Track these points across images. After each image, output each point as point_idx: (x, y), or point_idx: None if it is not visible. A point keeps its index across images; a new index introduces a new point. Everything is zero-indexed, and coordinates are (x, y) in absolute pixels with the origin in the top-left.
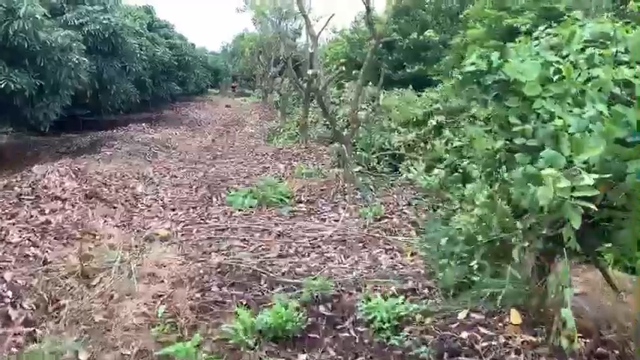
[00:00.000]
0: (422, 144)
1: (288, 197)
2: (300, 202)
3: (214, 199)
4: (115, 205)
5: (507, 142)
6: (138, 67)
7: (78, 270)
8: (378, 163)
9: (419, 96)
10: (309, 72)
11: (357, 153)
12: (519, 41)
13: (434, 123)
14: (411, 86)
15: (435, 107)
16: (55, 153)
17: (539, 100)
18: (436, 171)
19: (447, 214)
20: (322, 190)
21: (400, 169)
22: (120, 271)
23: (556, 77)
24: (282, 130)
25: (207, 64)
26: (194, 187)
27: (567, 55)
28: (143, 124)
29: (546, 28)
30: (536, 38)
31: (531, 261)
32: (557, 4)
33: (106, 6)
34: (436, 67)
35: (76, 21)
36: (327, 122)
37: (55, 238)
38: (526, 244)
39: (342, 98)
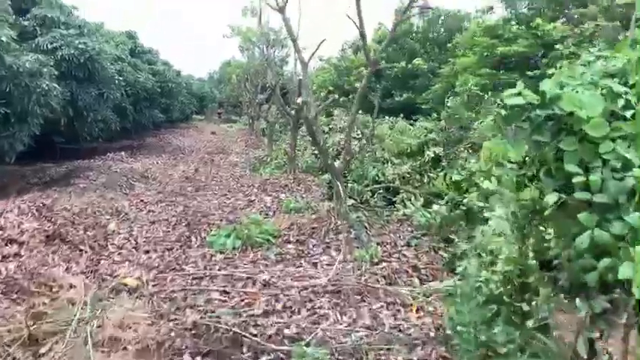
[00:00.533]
0: (417, 176)
1: (275, 236)
2: (289, 242)
3: (194, 239)
4: (82, 247)
5: (560, 193)
6: (116, 93)
7: (25, 334)
8: (372, 196)
9: (411, 125)
10: (299, 100)
11: (350, 185)
12: (557, 67)
13: (431, 155)
14: (401, 115)
15: (430, 137)
16: (26, 185)
17: (606, 142)
18: (435, 207)
19: (451, 259)
20: (313, 228)
21: (396, 204)
22: (76, 335)
23: (629, 113)
24: (269, 159)
25: (192, 91)
26: (172, 223)
27: (634, 85)
28: (122, 153)
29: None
30: (584, 63)
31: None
32: (551, 33)
33: (82, 30)
34: (425, 95)
35: (49, 45)
36: (316, 151)
37: (2, 293)
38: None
39: (330, 126)
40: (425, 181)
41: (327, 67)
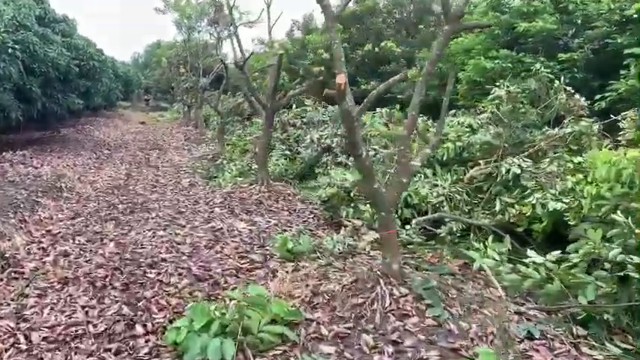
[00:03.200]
0: (464, 196)
1: (292, 325)
2: (322, 338)
3: (140, 330)
4: None
5: None
6: (10, 68)
7: None
8: (402, 226)
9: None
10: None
11: (362, 208)
12: None
13: (515, 170)
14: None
15: (478, 139)
16: None
17: None
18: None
19: None
20: (354, 303)
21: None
22: None
23: None
24: (223, 161)
25: (117, 74)
26: (98, 286)
27: None
28: (25, 152)
29: None
30: None
31: None
32: (585, 8)
33: None
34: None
35: None
36: (287, 151)
37: None
38: None
39: (304, 119)
40: (489, 207)
41: (269, 50)
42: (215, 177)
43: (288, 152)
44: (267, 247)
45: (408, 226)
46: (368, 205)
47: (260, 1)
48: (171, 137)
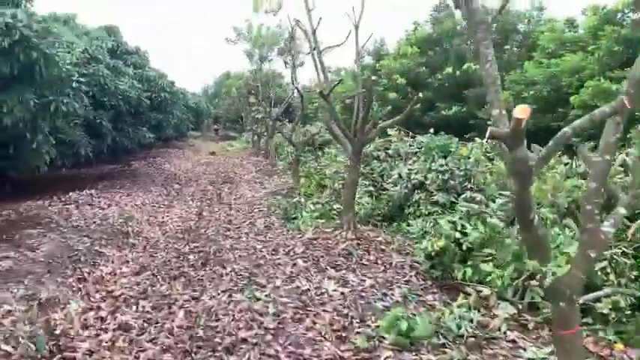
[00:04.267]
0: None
1: None
2: None
3: None
4: None
5: None
6: (74, 103)
7: None
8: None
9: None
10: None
11: (489, 273)
12: None
13: None
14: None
15: None
16: None
17: None
18: None
19: None
20: None
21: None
22: None
23: None
24: (299, 198)
25: (188, 104)
26: None
27: None
28: (93, 191)
29: None
30: None
31: None
32: None
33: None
34: (487, 108)
35: None
36: (371, 187)
37: None
38: None
39: (389, 152)
40: None
41: (338, 77)
42: (293, 218)
43: (372, 189)
44: (370, 323)
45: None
46: (491, 265)
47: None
48: (242, 168)
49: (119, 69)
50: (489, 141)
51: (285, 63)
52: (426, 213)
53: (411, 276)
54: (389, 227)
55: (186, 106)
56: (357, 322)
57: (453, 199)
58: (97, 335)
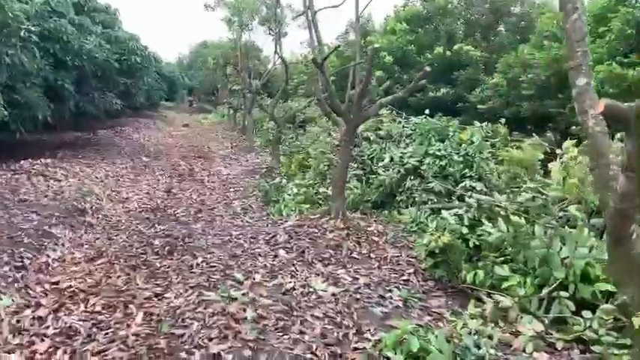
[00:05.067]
0: None
1: None
2: None
3: None
4: None
5: None
6: (21, 57)
7: None
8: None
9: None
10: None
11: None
12: None
13: None
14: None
15: None
16: None
17: None
18: None
19: None
20: None
21: None
22: None
23: None
24: (282, 179)
25: (161, 72)
26: None
27: None
28: (49, 160)
29: None
30: None
31: None
32: None
33: None
34: (479, 92)
35: None
36: (359, 170)
37: None
38: None
39: (379, 132)
40: None
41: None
42: (274, 201)
43: (360, 172)
44: (369, 335)
45: (588, 313)
46: (507, 268)
47: None
48: (216, 143)
49: (85, 27)
50: (498, 125)
51: (270, 30)
52: (420, 201)
53: (409, 274)
54: (378, 215)
55: (159, 74)
56: (353, 334)
57: (451, 188)
58: (31, 344)
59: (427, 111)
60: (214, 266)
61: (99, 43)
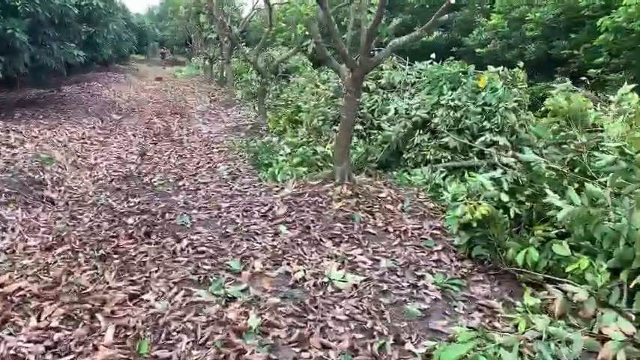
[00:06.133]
0: None
1: None
2: None
3: None
4: None
5: None
6: None
7: None
8: None
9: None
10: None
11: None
12: None
13: None
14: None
15: None
16: None
17: None
18: None
19: None
20: None
21: None
22: None
23: None
24: (272, 138)
25: (130, 22)
26: None
27: None
28: (1, 122)
29: None
30: None
31: None
32: None
33: None
34: (475, 35)
35: None
36: (361, 126)
37: None
38: None
39: (379, 81)
40: None
41: None
42: (266, 165)
43: (360, 127)
44: (411, 347)
45: None
46: (567, 247)
47: None
48: (193, 97)
49: None
50: (517, 70)
51: None
52: (433, 159)
53: (438, 252)
54: (384, 176)
55: (128, 25)
56: (391, 345)
57: (468, 142)
58: None
59: (433, 55)
60: (203, 251)
61: None
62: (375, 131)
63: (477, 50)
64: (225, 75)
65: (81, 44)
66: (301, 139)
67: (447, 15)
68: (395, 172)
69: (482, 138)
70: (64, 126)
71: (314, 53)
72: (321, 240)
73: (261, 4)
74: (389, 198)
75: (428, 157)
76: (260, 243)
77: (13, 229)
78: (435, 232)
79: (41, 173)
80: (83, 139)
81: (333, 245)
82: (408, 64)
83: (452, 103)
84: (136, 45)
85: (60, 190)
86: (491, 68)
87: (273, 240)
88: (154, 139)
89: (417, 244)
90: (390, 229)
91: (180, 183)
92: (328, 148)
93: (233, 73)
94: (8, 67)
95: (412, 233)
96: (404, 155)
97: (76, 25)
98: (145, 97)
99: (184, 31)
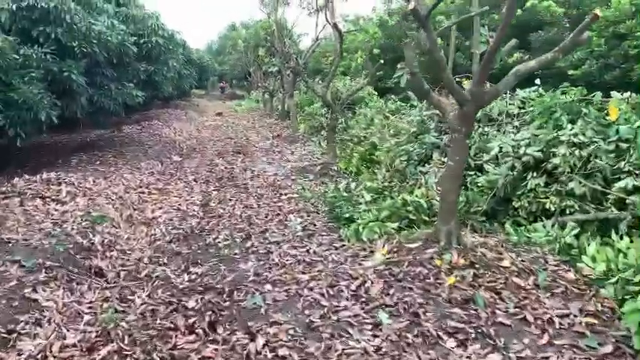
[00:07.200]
0: None
1: None
2: None
3: None
4: None
5: None
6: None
7: None
8: None
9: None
10: None
11: None
12: None
13: None
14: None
15: None
16: None
17: None
18: None
19: None
20: None
21: None
22: None
23: None
24: (350, 183)
25: (190, 58)
26: None
27: None
28: (53, 174)
29: None
30: None
31: None
32: None
33: None
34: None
35: None
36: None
37: None
38: None
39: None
40: None
41: (354, 28)
42: (347, 219)
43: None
44: None
45: None
46: None
47: None
48: (255, 133)
49: (94, 4)
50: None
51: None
52: (554, 209)
53: (607, 357)
54: (491, 229)
55: (188, 61)
56: None
57: (600, 188)
58: None
59: (537, 81)
60: (284, 357)
61: (111, 24)
62: (473, 173)
63: (570, 72)
64: (286, 108)
65: (140, 83)
66: (382, 182)
67: (587, 33)
68: (506, 225)
69: (622, 183)
70: (122, 172)
71: (397, 84)
72: (439, 337)
73: (324, 34)
74: (514, 268)
75: (547, 206)
76: (357, 340)
77: (49, 321)
78: (589, 320)
79: (91, 236)
80: (141, 187)
81: (457, 345)
82: (509, 93)
83: (575, 140)
84: (196, 80)
85: (111, 257)
86: (615, 94)
87: (373, 336)
88: (217, 184)
89: (572, 342)
90: (529, 318)
91: (249, 243)
92: (419, 196)
93: (295, 106)
94: (66, 110)
95: (560, 324)
96: (514, 203)
97: (135, 64)
98: (206, 134)
99: (243, 65)
